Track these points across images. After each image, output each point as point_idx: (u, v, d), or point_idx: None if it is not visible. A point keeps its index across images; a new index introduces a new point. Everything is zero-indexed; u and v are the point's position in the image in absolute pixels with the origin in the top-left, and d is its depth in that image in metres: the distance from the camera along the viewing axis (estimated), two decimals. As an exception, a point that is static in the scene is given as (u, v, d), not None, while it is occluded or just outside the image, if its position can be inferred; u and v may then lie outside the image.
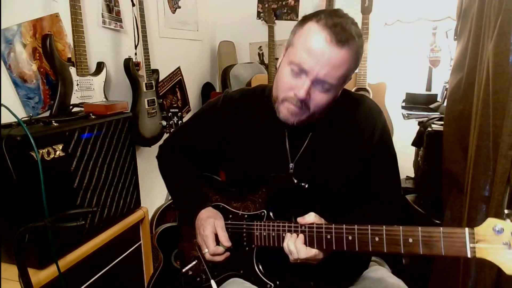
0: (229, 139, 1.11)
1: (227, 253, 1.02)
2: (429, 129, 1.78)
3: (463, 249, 0.72)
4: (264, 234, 1.00)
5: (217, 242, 1.02)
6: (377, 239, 0.82)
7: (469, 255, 0.72)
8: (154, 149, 2.12)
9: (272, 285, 1.00)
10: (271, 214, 1.02)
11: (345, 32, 0.86)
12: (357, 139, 1.03)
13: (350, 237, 0.85)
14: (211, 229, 1.02)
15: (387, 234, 0.81)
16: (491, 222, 0.70)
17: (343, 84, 0.96)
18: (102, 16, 1.84)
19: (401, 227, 0.79)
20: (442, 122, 1.68)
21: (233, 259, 1.04)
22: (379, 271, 1.09)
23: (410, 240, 0.78)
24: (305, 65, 0.89)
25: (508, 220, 0.69)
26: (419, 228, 0.77)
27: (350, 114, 1.05)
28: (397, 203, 1.10)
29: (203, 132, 1.15)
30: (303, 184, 0.99)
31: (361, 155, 1.03)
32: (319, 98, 0.93)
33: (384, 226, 0.82)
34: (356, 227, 0.85)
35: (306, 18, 0.93)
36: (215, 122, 1.13)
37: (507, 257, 0.69)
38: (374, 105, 1.08)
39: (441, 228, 0.75)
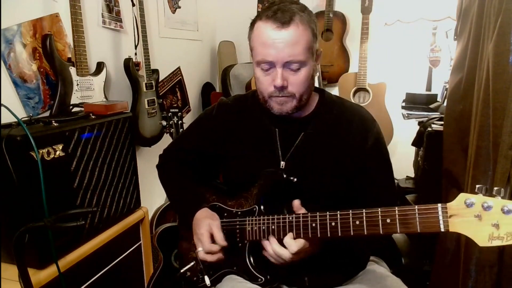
0: (225, 143, 1.16)
1: (220, 254, 1.03)
2: (429, 129, 1.78)
3: (436, 224, 0.74)
4: (255, 228, 1.02)
5: (213, 242, 1.03)
6: (357, 222, 0.84)
7: (442, 229, 0.74)
8: (154, 149, 2.14)
9: (263, 279, 1.00)
10: (262, 208, 1.04)
11: (286, 13, 0.95)
12: (349, 142, 1.06)
13: (333, 223, 0.88)
14: (207, 228, 1.04)
15: (367, 217, 0.83)
16: (463, 197, 0.72)
17: (313, 57, 1.01)
18: (102, 16, 1.84)
19: (379, 208, 0.82)
20: (442, 122, 1.68)
21: (228, 256, 1.04)
22: (377, 270, 1.09)
23: (388, 221, 0.80)
24: (268, 57, 0.97)
25: (479, 194, 0.71)
26: (396, 208, 0.79)
27: (344, 119, 1.09)
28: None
29: (201, 138, 1.21)
30: (291, 178, 1.02)
31: (353, 158, 1.05)
32: (295, 78, 0.99)
33: (364, 209, 0.84)
34: (338, 212, 0.87)
35: (253, 22, 1.02)
36: (211, 129, 1.18)
37: (478, 229, 0.70)
38: (368, 114, 1.12)
39: (416, 206, 0.77)
